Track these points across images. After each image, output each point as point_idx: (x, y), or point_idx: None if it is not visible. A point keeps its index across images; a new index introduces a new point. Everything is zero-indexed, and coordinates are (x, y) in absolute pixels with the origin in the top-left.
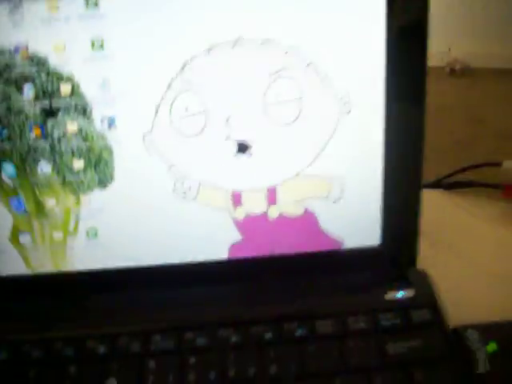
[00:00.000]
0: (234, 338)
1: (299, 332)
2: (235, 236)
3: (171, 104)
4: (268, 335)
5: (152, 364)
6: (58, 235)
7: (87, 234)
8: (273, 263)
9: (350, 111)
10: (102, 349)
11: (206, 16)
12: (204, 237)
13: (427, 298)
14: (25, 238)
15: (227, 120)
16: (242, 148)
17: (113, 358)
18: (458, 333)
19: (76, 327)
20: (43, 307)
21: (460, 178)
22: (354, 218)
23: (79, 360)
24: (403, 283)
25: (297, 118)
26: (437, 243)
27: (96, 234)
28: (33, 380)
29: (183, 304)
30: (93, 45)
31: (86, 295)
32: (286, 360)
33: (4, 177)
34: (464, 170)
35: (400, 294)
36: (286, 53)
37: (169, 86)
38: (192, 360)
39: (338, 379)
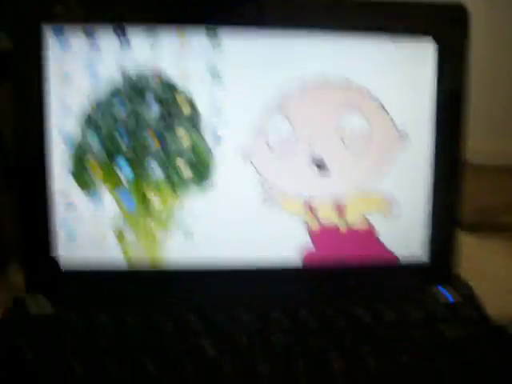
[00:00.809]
0: (313, 324)
1: (368, 319)
2: (308, 244)
3: (267, 127)
4: (342, 322)
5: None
6: (157, 232)
7: (184, 232)
8: (339, 272)
9: (406, 143)
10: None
11: (301, 59)
12: (282, 243)
13: (471, 300)
14: (128, 233)
15: (311, 143)
16: (320, 167)
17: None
18: (500, 327)
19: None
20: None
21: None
22: (406, 233)
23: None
24: (450, 289)
25: (365, 145)
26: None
27: (192, 233)
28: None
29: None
30: (212, 74)
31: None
32: (359, 339)
33: (121, 177)
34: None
35: (449, 297)
36: (360, 92)
37: (266, 112)
38: (277, 335)
39: (405, 355)
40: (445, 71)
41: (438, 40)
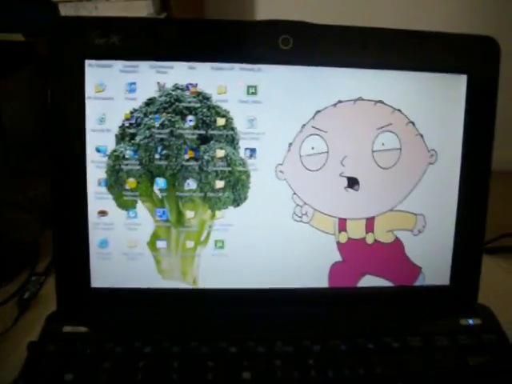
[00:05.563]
0: (343, 347)
1: (395, 345)
2: (337, 257)
3: (301, 143)
4: (370, 345)
5: (278, 363)
6: (190, 244)
7: (215, 244)
8: (365, 293)
9: (435, 162)
10: (233, 349)
11: (336, 79)
12: (311, 256)
13: (493, 325)
14: (161, 244)
15: (342, 160)
16: (351, 183)
17: (243, 357)
18: None
19: (205, 332)
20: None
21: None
22: (431, 250)
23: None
24: (471, 313)
25: (395, 163)
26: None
27: (223, 246)
28: (177, 371)
29: (294, 320)
30: (248, 90)
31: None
32: (387, 365)
33: (156, 189)
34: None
35: (471, 321)
36: (393, 112)
37: (301, 129)
38: (310, 361)
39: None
40: (475, 97)
41: (470, 70)
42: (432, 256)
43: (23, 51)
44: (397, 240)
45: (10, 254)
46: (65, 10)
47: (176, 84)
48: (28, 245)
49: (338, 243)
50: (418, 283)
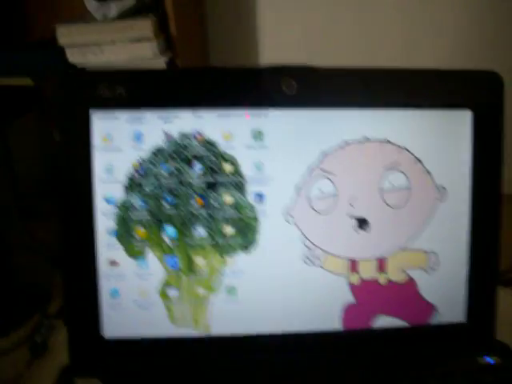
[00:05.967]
0: None
1: None
2: (350, 298)
3: (309, 186)
4: None
5: None
6: (201, 291)
7: (227, 291)
8: (379, 334)
9: (444, 199)
10: None
11: (341, 121)
12: (323, 299)
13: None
14: (172, 292)
15: (351, 201)
16: (362, 224)
17: None
18: None
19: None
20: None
21: None
22: (446, 287)
23: None
24: (489, 351)
25: (404, 202)
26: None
27: (234, 292)
28: None
29: (308, 364)
30: (255, 136)
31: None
32: None
33: (165, 237)
34: None
35: (489, 360)
36: (399, 151)
37: (309, 172)
38: None
39: None
40: (481, 131)
41: (474, 105)
42: (446, 293)
43: (32, 94)
44: (410, 279)
45: (22, 298)
46: (71, 53)
47: (182, 132)
48: (39, 287)
49: (351, 284)
50: (433, 322)
